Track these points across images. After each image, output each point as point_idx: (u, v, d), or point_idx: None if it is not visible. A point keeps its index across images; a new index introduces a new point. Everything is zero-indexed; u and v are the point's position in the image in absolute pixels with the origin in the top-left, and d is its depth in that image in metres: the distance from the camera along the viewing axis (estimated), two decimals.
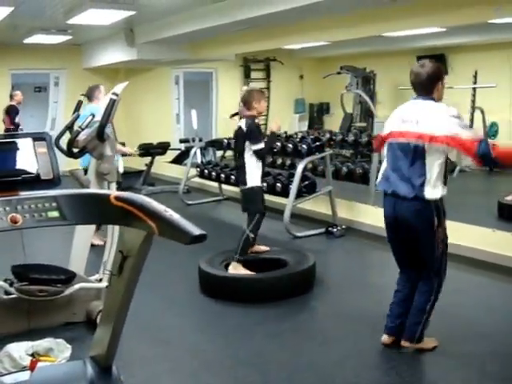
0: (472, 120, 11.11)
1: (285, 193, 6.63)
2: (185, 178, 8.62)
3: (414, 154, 3.30)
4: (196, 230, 1.74)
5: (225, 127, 11.22)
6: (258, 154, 4.83)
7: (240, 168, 4.95)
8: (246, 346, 3.78)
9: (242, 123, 4.90)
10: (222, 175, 7.95)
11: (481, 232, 5.52)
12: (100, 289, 4.12)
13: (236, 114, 11.50)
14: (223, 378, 3.42)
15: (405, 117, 3.40)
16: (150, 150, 9.77)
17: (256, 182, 4.87)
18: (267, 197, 7.27)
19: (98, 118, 4.05)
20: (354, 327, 4.03)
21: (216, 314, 4.38)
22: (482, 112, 10.89)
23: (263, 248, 5.18)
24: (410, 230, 3.41)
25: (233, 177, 7.49)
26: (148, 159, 9.87)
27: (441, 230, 3.40)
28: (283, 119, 14.04)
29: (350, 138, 7.43)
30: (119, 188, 9.62)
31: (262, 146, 4.82)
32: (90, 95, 6.24)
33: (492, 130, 11.01)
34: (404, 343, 3.54)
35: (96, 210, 2.03)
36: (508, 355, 3.54)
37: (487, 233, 5.44)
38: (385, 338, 3.61)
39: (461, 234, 5.50)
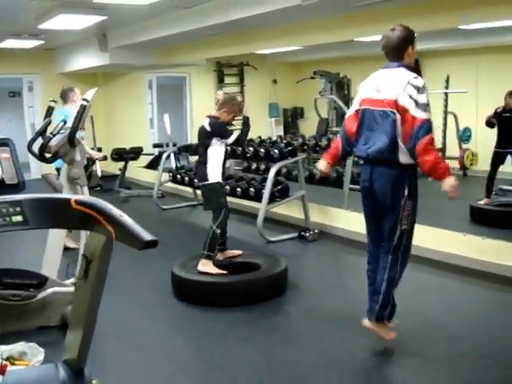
0: (445, 124, 11.28)
1: (258, 197, 6.66)
2: (157, 183, 8.63)
3: (385, 119, 3.30)
4: (148, 236, 1.76)
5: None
6: (239, 142, 5.01)
7: (202, 164, 4.95)
8: (219, 350, 3.78)
9: (206, 123, 4.94)
10: (196, 180, 7.92)
11: (452, 236, 5.58)
12: None
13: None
14: (197, 381, 3.43)
15: (376, 84, 3.41)
16: (123, 155, 9.76)
17: (217, 178, 4.89)
18: (241, 201, 7.36)
19: (69, 123, 4.04)
20: (326, 329, 4.07)
21: (189, 317, 4.39)
22: (455, 117, 11.06)
23: (237, 252, 5.20)
24: (379, 196, 3.42)
25: None
26: (122, 164, 9.87)
27: (409, 205, 3.37)
28: (258, 123, 14.13)
29: (324, 142, 7.47)
30: (100, 190, 9.73)
31: (235, 136, 4.91)
32: (64, 97, 6.22)
33: (465, 135, 11.16)
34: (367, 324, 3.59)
35: (58, 214, 2.03)
36: (476, 356, 3.59)
37: (458, 237, 5.51)
38: (364, 321, 3.63)
39: (432, 238, 5.59)
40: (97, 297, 2.34)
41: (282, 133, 13.56)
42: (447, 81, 11.10)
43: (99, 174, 10.00)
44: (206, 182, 4.93)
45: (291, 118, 14.73)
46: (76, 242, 6.20)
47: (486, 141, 8.25)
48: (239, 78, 14.20)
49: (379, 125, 3.35)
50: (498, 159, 7.43)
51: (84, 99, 4.08)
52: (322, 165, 3.78)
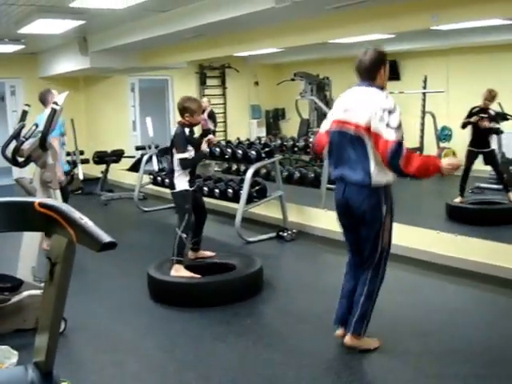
0: (423, 124, 11.40)
1: (236, 198, 6.72)
2: (138, 185, 8.67)
3: (356, 141, 3.34)
4: (106, 238, 1.80)
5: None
6: (181, 163, 4.84)
7: (170, 172, 5.02)
8: (192, 350, 3.83)
9: (174, 130, 4.99)
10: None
11: (425, 233, 5.67)
12: None
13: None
14: (169, 382, 3.47)
15: (346, 105, 3.44)
16: (105, 158, 9.80)
17: (183, 187, 4.90)
18: (220, 202, 7.42)
19: (41, 127, 4.08)
20: (299, 328, 4.13)
21: (164, 319, 4.44)
22: (433, 116, 11.18)
23: (208, 253, 5.24)
24: (357, 216, 3.45)
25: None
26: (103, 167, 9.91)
27: (388, 220, 3.43)
28: (240, 125, 14.20)
29: (301, 143, 7.56)
30: (82, 193, 9.75)
31: (184, 155, 4.81)
32: (43, 101, 6.17)
33: (443, 134, 11.28)
34: (345, 336, 3.62)
35: (22, 217, 2.07)
36: (443, 353, 3.65)
37: (432, 234, 5.60)
38: (338, 331, 3.70)
39: (406, 236, 5.67)
40: (61, 299, 2.38)
41: (264, 134, 13.62)
42: (425, 81, 11.23)
43: (81, 177, 10.04)
44: (174, 191, 4.98)
45: (273, 119, 14.81)
46: None
47: (463, 140, 8.36)
48: (221, 81, 14.25)
49: (351, 148, 3.38)
50: (470, 159, 7.53)
51: (55, 103, 4.11)
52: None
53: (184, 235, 4.85)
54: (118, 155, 9.93)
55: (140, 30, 7.82)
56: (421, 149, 11.38)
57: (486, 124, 7.27)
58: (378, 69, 3.42)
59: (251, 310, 4.51)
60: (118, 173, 10.97)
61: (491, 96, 7.32)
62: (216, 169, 9.81)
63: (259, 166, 6.69)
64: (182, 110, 4.91)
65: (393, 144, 3.18)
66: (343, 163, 3.45)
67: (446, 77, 11.09)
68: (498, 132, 7.53)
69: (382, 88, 3.42)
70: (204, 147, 5.10)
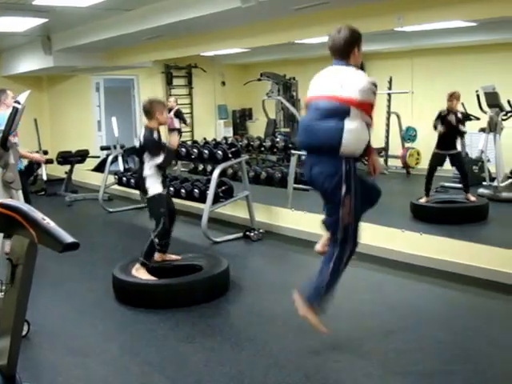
0: (388, 124, 11.53)
1: (203, 198, 6.70)
2: (103, 185, 8.57)
3: (337, 113, 3.34)
4: (68, 238, 1.79)
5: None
6: (158, 168, 4.82)
7: (140, 177, 4.94)
8: (157, 352, 3.80)
9: (141, 135, 4.88)
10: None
11: (391, 232, 5.73)
12: None
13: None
14: None
15: (329, 81, 3.45)
16: (69, 159, 9.66)
17: (156, 190, 4.86)
18: (186, 203, 7.38)
19: (2, 127, 4.00)
20: (267, 328, 4.13)
21: (130, 320, 4.38)
22: (398, 117, 11.31)
23: (174, 257, 5.19)
24: (321, 188, 3.52)
25: None
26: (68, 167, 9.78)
27: (349, 199, 3.41)
28: (207, 125, 14.17)
29: (267, 143, 7.58)
30: (45, 194, 9.60)
31: (160, 160, 4.79)
32: None
33: (408, 134, 11.41)
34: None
35: None
36: (410, 351, 3.70)
37: (397, 233, 5.66)
38: (295, 294, 3.72)
39: (372, 235, 5.72)
40: (23, 301, 2.35)
41: (231, 134, 13.61)
42: (390, 82, 11.35)
43: (45, 178, 9.86)
44: (147, 196, 4.93)
45: (240, 119, 14.80)
46: None
47: (428, 140, 8.48)
48: (187, 81, 14.17)
49: (329, 118, 3.38)
50: (436, 160, 7.62)
51: (16, 101, 4.03)
52: None
53: (156, 240, 4.81)
54: (82, 155, 9.80)
55: (103, 29, 7.74)
56: (386, 149, 11.52)
57: (453, 120, 7.38)
58: (353, 48, 3.43)
59: (218, 311, 4.49)
60: (83, 173, 10.84)
61: (452, 98, 7.41)
62: (182, 169, 9.76)
63: (225, 166, 6.67)
64: (150, 112, 4.84)
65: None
66: (319, 131, 3.42)
67: (410, 78, 11.21)
68: (463, 135, 7.62)
69: (358, 67, 3.46)
70: (173, 141, 5.05)
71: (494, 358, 3.60)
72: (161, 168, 4.85)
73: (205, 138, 8.14)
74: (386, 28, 5.92)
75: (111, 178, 8.83)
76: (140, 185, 5.06)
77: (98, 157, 10.67)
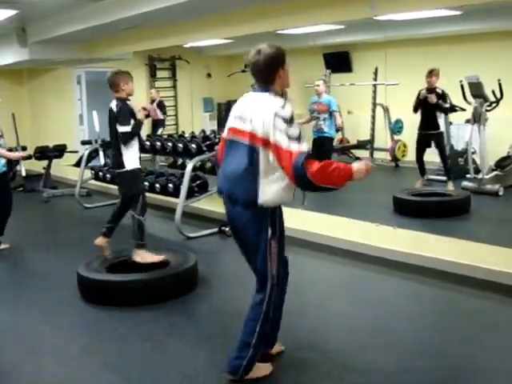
0: (374, 116, 11.42)
1: (177, 193, 6.56)
2: (79, 181, 8.44)
3: (248, 153, 2.94)
4: None
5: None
6: (124, 136, 4.70)
7: (116, 151, 4.82)
8: (116, 350, 3.71)
9: (113, 105, 4.79)
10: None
11: (364, 226, 5.63)
12: None
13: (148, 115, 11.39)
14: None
15: (241, 113, 3.06)
16: (47, 154, 9.51)
17: (135, 165, 4.78)
18: (162, 198, 7.26)
19: None
20: (229, 325, 3.98)
21: (93, 319, 4.28)
22: (386, 109, 11.19)
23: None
24: (242, 237, 3.13)
25: None
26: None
27: (275, 244, 3.03)
28: (192, 118, 14.02)
29: None
30: (23, 190, 9.45)
31: (127, 129, 4.70)
32: None
33: (397, 126, 11.30)
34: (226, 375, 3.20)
35: None
36: (372, 348, 3.62)
37: (370, 227, 5.55)
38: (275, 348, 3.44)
39: (345, 229, 5.65)
40: None
41: (216, 127, 13.47)
42: (375, 73, 11.24)
43: (23, 174, 9.73)
44: (123, 170, 4.78)
45: (225, 112, 14.64)
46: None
47: (413, 132, 8.37)
48: (171, 73, 14.03)
49: (241, 160, 2.98)
50: (421, 141, 7.54)
51: None
52: None
53: (142, 217, 4.75)
54: (60, 150, 9.62)
55: (78, 20, 7.59)
56: (371, 141, 11.42)
57: (433, 99, 7.28)
58: (276, 70, 2.96)
59: (182, 308, 4.37)
60: (64, 169, 10.67)
61: (432, 75, 7.32)
62: (161, 163, 9.63)
63: (199, 159, 6.53)
64: (115, 83, 4.77)
65: (297, 156, 2.77)
66: (230, 176, 3.06)
67: (400, 68, 11.08)
68: (446, 111, 7.48)
69: (282, 93, 3.00)
70: (140, 116, 4.95)
71: (461, 355, 3.51)
72: (124, 140, 4.71)
73: (183, 132, 7.99)
74: (362, 16, 5.77)
75: (89, 173, 8.67)
76: (114, 159, 4.92)
77: (77, 151, 10.50)
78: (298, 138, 2.82)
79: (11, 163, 10.08)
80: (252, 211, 2.99)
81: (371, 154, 11.38)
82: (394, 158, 10.98)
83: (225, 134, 3.20)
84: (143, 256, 4.78)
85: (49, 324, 4.21)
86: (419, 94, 7.56)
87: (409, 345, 3.64)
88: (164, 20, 7.35)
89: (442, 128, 7.86)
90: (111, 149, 4.99)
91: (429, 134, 7.49)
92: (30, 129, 11.87)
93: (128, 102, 4.82)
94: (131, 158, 4.78)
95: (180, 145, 6.69)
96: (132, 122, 4.76)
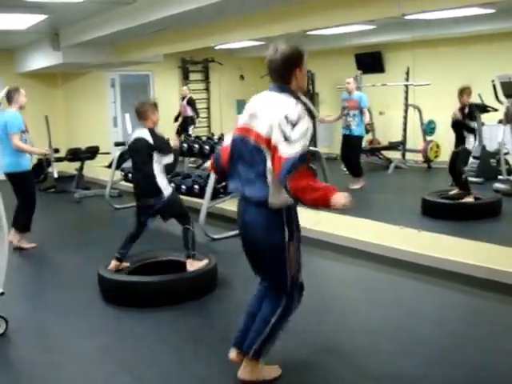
0: (406, 117, 11.27)
1: (202, 194, 6.58)
2: (110, 182, 8.53)
3: (256, 153, 2.91)
4: None
5: (164, 129, 11.12)
6: (168, 167, 4.79)
7: (146, 180, 4.78)
8: (131, 352, 3.73)
9: (144, 134, 4.74)
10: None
11: (388, 229, 5.55)
12: None
13: (178, 116, 11.49)
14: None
15: (253, 111, 2.99)
16: (79, 155, 9.67)
17: (170, 189, 4.86)
18: (191, 198, 7.29)
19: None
20: None
21: (111, 319, 4.33)
22: (419, 110, 11.03)
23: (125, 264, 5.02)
24: (256, 241, 3.04)
25: None
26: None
27: (293, 246, 2.98)
28: (226, 121, 14.05)
29: None
30: (55, 191, 9.63)
31: (171, 159, 4.78)
32: (9, 98, 6.02)
33: (429, 127, 11.13)
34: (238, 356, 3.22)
35: None
36: (389, 353, 3.56)
37: (394, 230, 5.47)
38: (232, 352, 3.29)
39: (368, 231, 5.58)
40: None
41: None
42: (407, 73, 11.09)
43: (56, 175, 9.90)
44: (164, 198, 4.77)
45: None
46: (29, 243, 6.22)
47: (446, 132, 8.19)
48: (204, 75, 14.10)
49: (250, 161, 2.96)
50: (456, 158, 7.33)
51: None
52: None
53: (192, 228, 4.86)
54: (92, 152, 9.78)
55: (109, 23, 7.68)
56: (403, 142, 11.27)
57: (458, 115, 7.09)
58: (292, 70, 2.92)
59: (200, 310, 4.38)
60: (97, 170, 10.83)
61: (463, 93, 7.12)
62: (190, 165, 9.68)
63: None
64: (143, 113, 4.79)
65: (285, 161, 2.71)
66: (241, 176, 3.02)
67: (432, 69, 10.92)
68: (469, 130, 7.26)
69: (297, 93, 2.94)
70: (175, 143, 5.14)
71: (476, 363, 3.41)
72: (168, 170, 4.83)
73: (212, 134, 8.02)
74: (388, 15, 5.68)
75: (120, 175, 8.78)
76: (142, 186, 4.89)
77: (109, 153, 10.64)
78: (295, 142, 2.75)
79: (43, 165, 10.31)
80: (266, 211, 2.93)
81: (403, 156, 11.24)
82: (427, 159, 10.81)
83: (235, 132, 3.12)
84: (195, 264, 4.77)
85: (67, 323, 4.26)
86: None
87: (426, 351, 3.56)
88: (193, 22, 7.38)
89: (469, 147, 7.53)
90: (138, 178, 4.98)
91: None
92: (65, 131, 12.09)
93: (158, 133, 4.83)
94: (165, 183, 4.81)
95: (206, 147, 6.72)
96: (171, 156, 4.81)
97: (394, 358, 3.48)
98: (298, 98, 2.91)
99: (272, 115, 2.84)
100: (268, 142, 2.83)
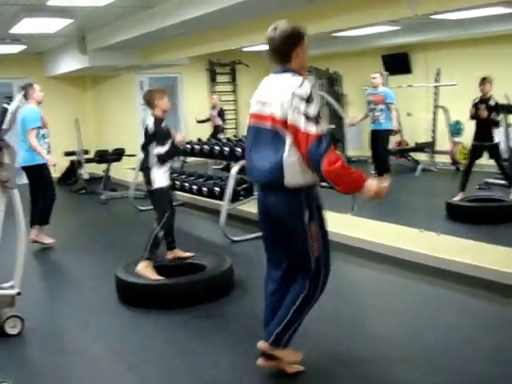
0: (435, 119, 11.12)
1: (223, 196, 6.59)
2: (133, 183, 8.60)
3: (273, 137, 2.92)
4: None
5: (193, 132, 11.17)
6: (160, 157, 4.74)
7: (147, 168, 4.87)
8: (141, 353, 3.73)
9: (150, 122, 4.83)
10: (177, 182, 7.77)
11: (407, 232, 5.47)
12: (13, 295, 4.11)
13: (205, 120, 11.55)
14: None
15: (261, 97, 3.02)
16: (107, 157, 9.80)
17: (161, 183, 4.81)
18: (209, 201, 7.32)
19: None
20: (257, 331, 3.85)
21: (124, 321, 4.36)
22: (446, 110, 10.87)
23: (186, 254, 5.12)
24: (277, 224, 3.05)
25: (186, 183, 7.43)
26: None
27: (314, 227, 2.98)
28: None
29: None
30: (85, 193, 9.79)
31: (164, 150, 4.72)
32: (25, 95, 6.13)
33: (456, 128, 10.96)
34: (262, 345, 3.21)
35: None
36: (398, 360, 3.50)
37: (414, 233, 5.39)
38: (260, 343, 3.25)
39: (387, 234, 5.52)
40: None
41: None
42: (437, 74, 10.94)
43: (86, 177, 10.10)
44: (152, 188, 4.85)
45: None
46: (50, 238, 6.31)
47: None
48: (231, 77, 14.14)
49: (267, 145, 2.96)
50: (473, 153, 7.25)
51: (6, 102, 4.05)
52: None
53: (161, 233, 4.78)
54: (119, 154, 9.89)
55: (131, 28, 7.78)
56: (433, 144, 11.12)
57: (484, 114, 6.98)
58: (292, 48, 2.92)
59: (214, 312, 4.37)
60: (125, 172, 10.94)
61: (485, 82, 7.01)
62: (215, 167, 9.71)
63: (244, 162, 6.52)
64: (150, 101, 4.84)
65: (313, 139, 2.74)
66: (259, 162, 3.02)
67: (458, 69, 10.76)
68: (497, 124, 7.16)
69: (300, 72, 2.96)
70: (178, 138, 5.03)
71: (488, 374, 3.29)
72: (160, 160, 4.76)
73: (235, 135, 8.04)
74: (400, 16, 5.62)
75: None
76: (145, 175, 4.98)
77: (135, 155, 10.74)
78: (317, 118, 2.79)
79: (74, 167, 10.49)
80: (285, 195, 2.94)
81: (432, 158, 11.08)
82: (455, 161, 10.63)
83: (248, 120, 3.18)
84: (146, 269, 4.66)
85: (81, 324, 4.30)
86: (473, 104, 7.26)
87: (437, 358, 3.47)
88: (215, 24, 7.40)
89: (497, 139, 7.44)
90: (143, 165, 5.04)
91: (482, 145, 7.16)
92: (95, 133, 12.26)
93: (163, 123, 4.83)
94: (161, 176, 4.80)
95: (226, 148, 6.72)
96: (167, 142, 4.78)
97: (402, 365, 3.41)
98: (302, 76, 2.94)
99: (280, 95, 2.86)
100: (284, 122, 2.85)
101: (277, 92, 2.91)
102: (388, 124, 8.67)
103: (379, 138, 8.75)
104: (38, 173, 6.19)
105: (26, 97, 6.15)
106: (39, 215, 6.27)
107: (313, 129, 2.77)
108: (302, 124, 2.78)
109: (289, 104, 2.81)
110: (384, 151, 8.91)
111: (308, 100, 2.80)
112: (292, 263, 3.17)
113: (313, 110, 2.80)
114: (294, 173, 2.88)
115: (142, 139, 5.01)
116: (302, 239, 2.99)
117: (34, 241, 6.22)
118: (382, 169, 8.78)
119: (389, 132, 8.87)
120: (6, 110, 4.00)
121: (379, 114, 8.58)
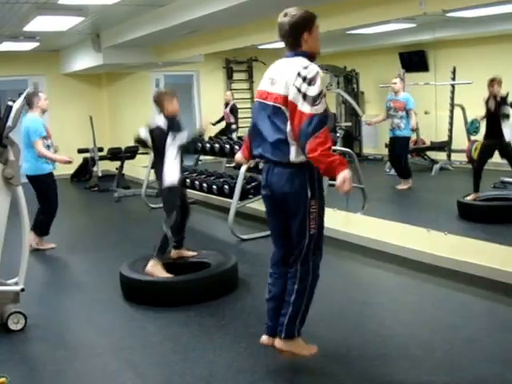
0: (451, 117, 10.99)
1: (232, 194, 6.58)
2: (145, 181, 8.61)
3: (276, 114, 3.02)
4: None
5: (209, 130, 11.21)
6: (181, 147, 4.73)
7: (159, 168, 4.84)
8: (141, 350, 3.75)
9: (160, 121, 4.80)
10: (188, 180, 7.75)
11: (414, 231, 5.42)
12: (17, 292, 4.15)
13: (219, 120, 11.56)
14: (106, 381, 3.41)
15: (271, 76, 3.12)
16: (119, 155, 9.84)
17: (172, 182, 4.76)
18: (219, 198, 7.32)
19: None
20: (257, 330, 3.86)
21: (127, 318, 4.37)
22: (463, 109, 10.74)
23: (190, 253, 5.11)
24: (280, 199, 3.12)
25: (197, 182, 7.43)
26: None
27: (314, 205, 3.06)
28: None
29: None
30: (98, 190, 9.84)
31: (184, 138, 4.73)
32: (29, 103, 5.91)
33: (473, 127, 10.81)
34: (277, 343, 3.28)
35: None
36: (399, 358, 3.47)
37: (421, 232, 5.33)
38: (263, 338, 3.38)
39: (394, 233, 5.47)
40: None
41: None
42: (454, 72, 10.81)
43: (99, 174, 10.16)
44: (163, 186, 4.80)
45: None
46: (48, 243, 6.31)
47: None
48: (248, 75, 14.12)
49: (271, 122, 3.07)
50: (484, 151, 7.16)
51: (11, 99, 4.08)
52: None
53: (169, 233, 4.75)
54: (132, 152, 9.91)
55: (144, 25, 7.82)
56: (449, 142, 10.99)
57: (492, 105, 6.92)
58: (301, 32, 3.01)
59: (215, 310, 4.36)
60: (138, 169, 10.97)
61: (493, 83, 6.94)
62: (228, 165, 9.70)
63: (254, 161, 6.50)
64: (159, 103, 4.85)
65: (308, 117, 2.84)
66: (263, 139, 3.12)
67: (475, 67, 10.62)
68: (508, 117, 7.04)
69: (311, 56, 3.05)
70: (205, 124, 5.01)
71: (489, 373, 3.26)
72: (184, 149, 4.78)
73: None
74: (409, 14, 5.57)
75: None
76: (157, 174, 4.95)
77: (147, 153, 10.77)
78: (315, 99, 2.88)
79: (87, 164, 10.56)
80: (289, 171, 3.05)
81: (449, 157, 10.95)
82: (471, 160, 10.48)
83: (256, 97, 3.28)
84: (156, 269, 4.66)
85: (84, 321, 4.33)
86: (485, 102, 7.18)
87: (436, 358, 3.44)
88: (228, 22, 7.40)
89: (508, 136, 7.32)
90: (155, 165, 5.05)
91: (494, 143, 7.06)
92: (109, 130, 12.31)
93: (176, 120, 4.83)
94: (172, 174, 4.76)
95: (236, 147, 6.71)
96: (186, 131, 4.79)
97: (401, 364, 3.38)
98: (312, 60, 3.03)
99: (286, 75, 2.97)
100: (285, 99, 2.95)
101: (284, 72, 3.02)
102: (408, 131, 8.65)
103: (399, 145, 8.75)
104: (44, 183, 6.06)
105: (30, 105, 5.95)
106: (39, 227, 6.20)
107: (307, 108, 2.87)
108: (300, 103, 2.89)
109: (291, 83, 2.92)
110: (404, 157, 8.89)
111: (310, 82, 2.89)
112: (288, 243, 3.22)
113: (312, 91, 2.89)
114: (298, 149, 2.98)
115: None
116: (302, 215, 3.07)
117: (34, 249, 6.02)
118: (404, 175, 8.76)
119: (409, 139, 8.86)
120: (10, 108, 4.02)
121: (399, 121, 8.55)
